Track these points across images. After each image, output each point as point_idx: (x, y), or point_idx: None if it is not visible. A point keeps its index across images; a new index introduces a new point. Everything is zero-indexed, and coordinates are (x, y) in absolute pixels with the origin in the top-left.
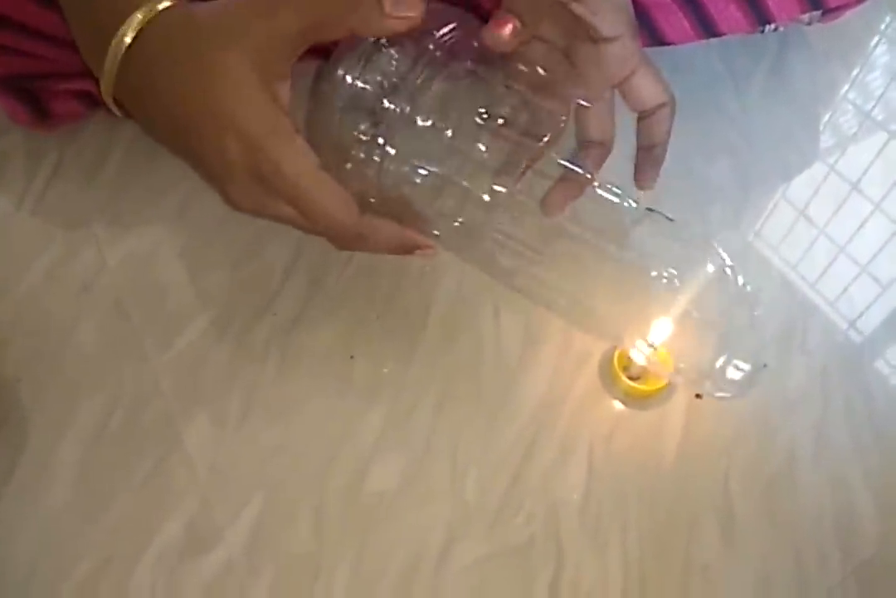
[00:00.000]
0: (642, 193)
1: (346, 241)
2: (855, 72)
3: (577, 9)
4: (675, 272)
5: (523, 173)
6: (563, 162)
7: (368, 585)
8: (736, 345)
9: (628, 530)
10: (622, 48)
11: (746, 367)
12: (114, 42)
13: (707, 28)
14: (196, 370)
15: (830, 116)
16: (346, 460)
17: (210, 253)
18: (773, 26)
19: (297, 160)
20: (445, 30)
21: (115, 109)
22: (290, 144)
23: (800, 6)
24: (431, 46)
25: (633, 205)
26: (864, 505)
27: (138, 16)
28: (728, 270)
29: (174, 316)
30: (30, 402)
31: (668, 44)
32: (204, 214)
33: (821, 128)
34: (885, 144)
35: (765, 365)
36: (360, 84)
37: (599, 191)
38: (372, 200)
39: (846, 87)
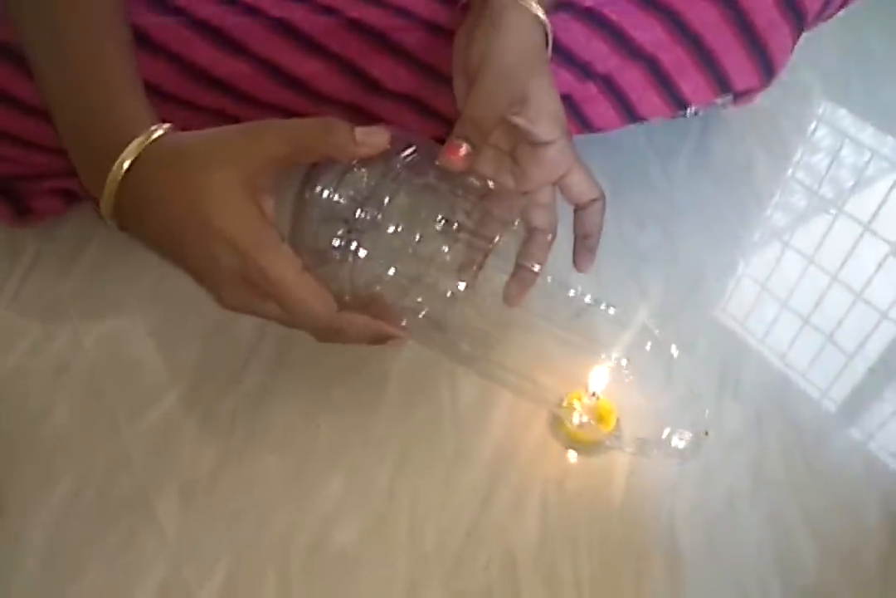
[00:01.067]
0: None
1: (325, 334)
2: (799, 154)
3: (517, 120)
4: (619, 355)
5: (479, 270)
6: (520, 261)
7: None
8: (678, 416)
9: (581, 573)
10: (558, 150)
11: (689, 435)
12: (114, 167)
13: (630, 114)
14: (166, 441)
15: (774, 196)
16: (310, 521)
17: (181, 330)
18: (692, 110)
19: (282, 266)
20: (408, 151)
21: (112, 225)
22: (276, 252)
23: (712, 91)
24: (397, 165)
25: (581, 295)
26: (801, 536)
27: (135, 143)
28: (665, 349)
29: (146, 390)
30: (6, 478)
31: (598, 130)
32: (175, 293)
33: (741, 198)
34: (835, 220)
35: (706, 433)
36: (335, 198)
37: (550, 284)
38: (347, 298)
39: (790, 170)
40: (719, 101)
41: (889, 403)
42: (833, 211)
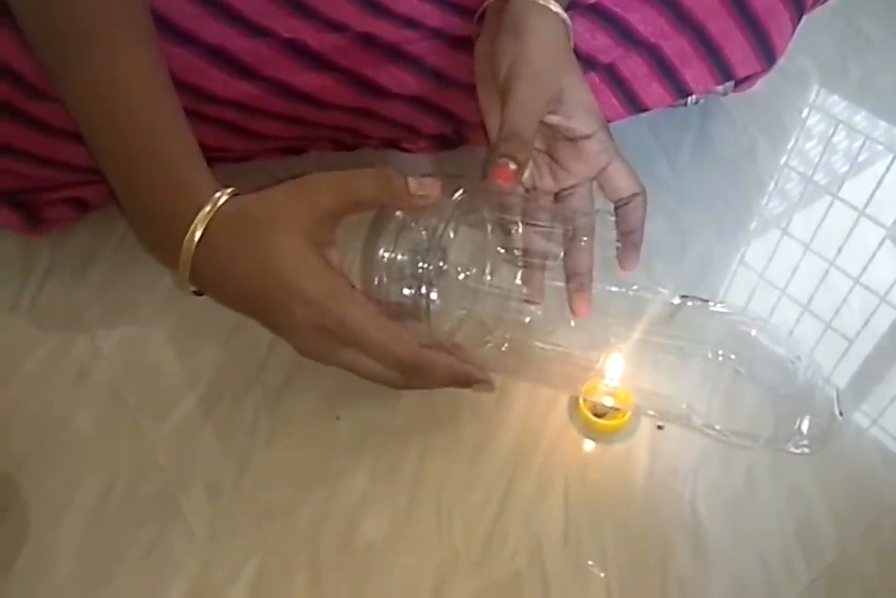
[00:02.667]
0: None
1: (405, 375)
2: (792, 142)
3: (553, 119)
4: (725, 351)
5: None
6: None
7: None
8: (805, 402)
9: (607, 555)
10: (598, 143)
11: (822, 421)
12: (185, 239)
13: (633, 104)
14: (191, 443)
15: (776, 183)
16: (337, 515)
17: (198, 333)
18: (693, 99)
19: (357, 312)
20: (457, 194)
21: (187, 291)
22: (350, 300)
23: (714, 78)
24: (449, 210)
25: (668, 295)
26: (822, 513)
27: (203, 213)
28: (774, 333)
29: (168, 393)
30: (31, 486)
31: None
32: (191, 297)
33: (746, 184)
34: (830, 206)
35: (841, 414)
36: (397, 258)
37: (633, 292)
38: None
39: (785, 156)
40: (720, 88)
41: (892, 385)
42: (830, 195)
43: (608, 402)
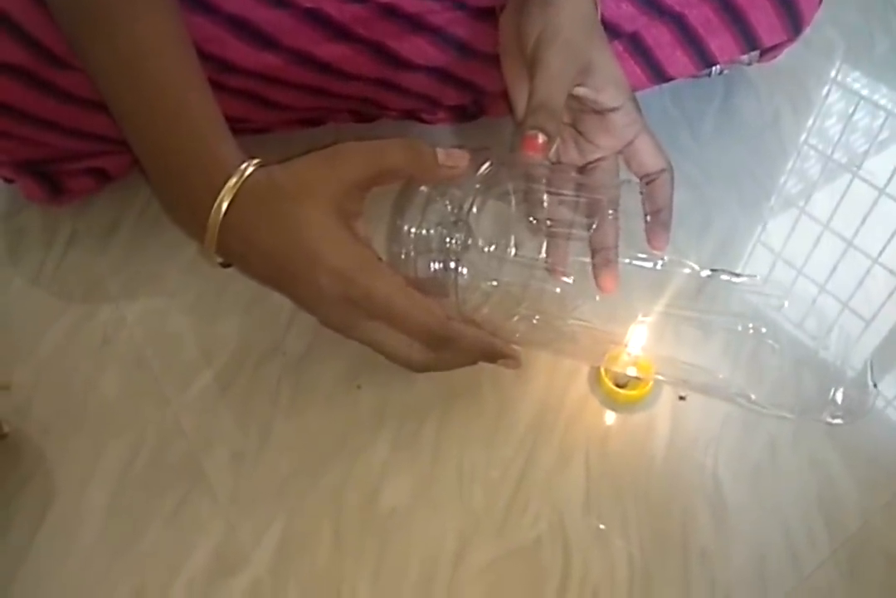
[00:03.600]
0: None
1: (432, 348)
2: (811, 120)
3: (581, 91)
4: (755, 324)
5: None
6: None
7: (389, 594)
8: (838, 373)
9: (628, 523)
10: (625, 115)
11: (855, 392)
12: (212, 210)
13: (658, 73)
14: (214, 409)
15: (793, 162)
16: (359, 482)
17: (220, 302)
18: (718, 69)
19: (383, 284)
20: (484, 167)
21: (213, 262)
22: (376, 272)
23: (739, 48)
24: (476, 184)
25: (698, 269)
26: (844, 483)
27: (230, 184)
28: (804, 305)
29: (191, 361)
30: (57, 451)
31: None
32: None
33: (770, 156)
34: (850, 185)
35: (875, 385)
36: (423, 232)
37: (661, 266)
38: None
39: (804, 134)
40: (745, 58)
41: None
42: (852, 171)
43: (630, 372)
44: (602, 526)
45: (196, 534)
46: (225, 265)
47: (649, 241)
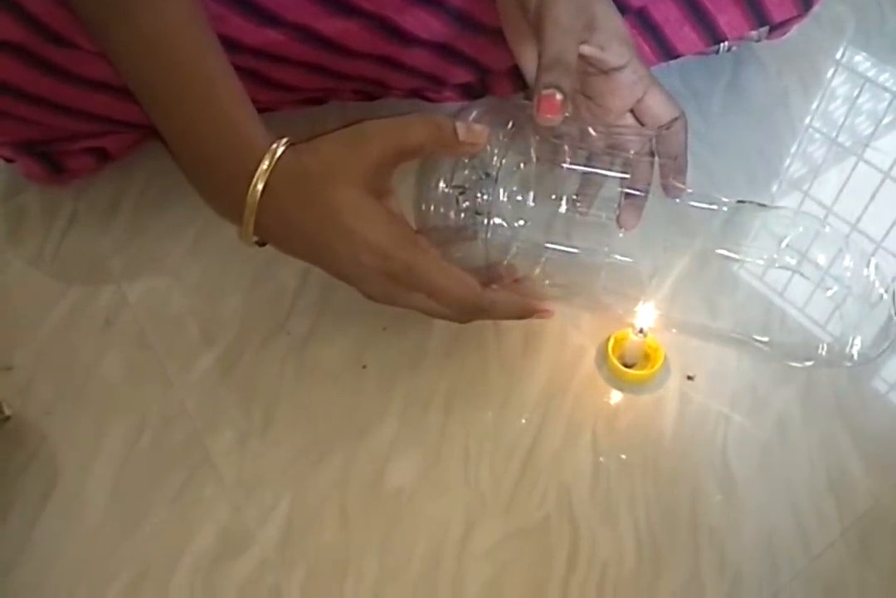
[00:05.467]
0: None
1: (470, 315)
2: (816, 103)
3: (586, 49)
4: (780, 255)
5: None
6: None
7: (396, 573)
8: (865, 304)
9: (636, 502)
10: (632, 73)
11: (880, 323)
12: (248, 193)
13: (666, 50)
14: (218, 390)
15: (798, 145)
16: (365, 462)
17: (223, 282)
18: (726, 46)
19: (423, 260)
20: (508, 125)
21: (249, 242)
22: (415, 248)
23: (748, 23)
24: (501, 142)
25: (725, 202)
26: (854, 462)
27: (264, 166)
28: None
29: (193, 341)
30: (60, 433)
31: None
32: (216, 245)
33: (779, 134)
34: (854, 169)
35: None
36: (453, 186)
37: (691, 202)
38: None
39: (809, 117)
40: (754, 34)
41: None
42: (861, 150)
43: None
44: (610, 504)
45: (201, 515)
46: (261, 244)
47: (665, 189)
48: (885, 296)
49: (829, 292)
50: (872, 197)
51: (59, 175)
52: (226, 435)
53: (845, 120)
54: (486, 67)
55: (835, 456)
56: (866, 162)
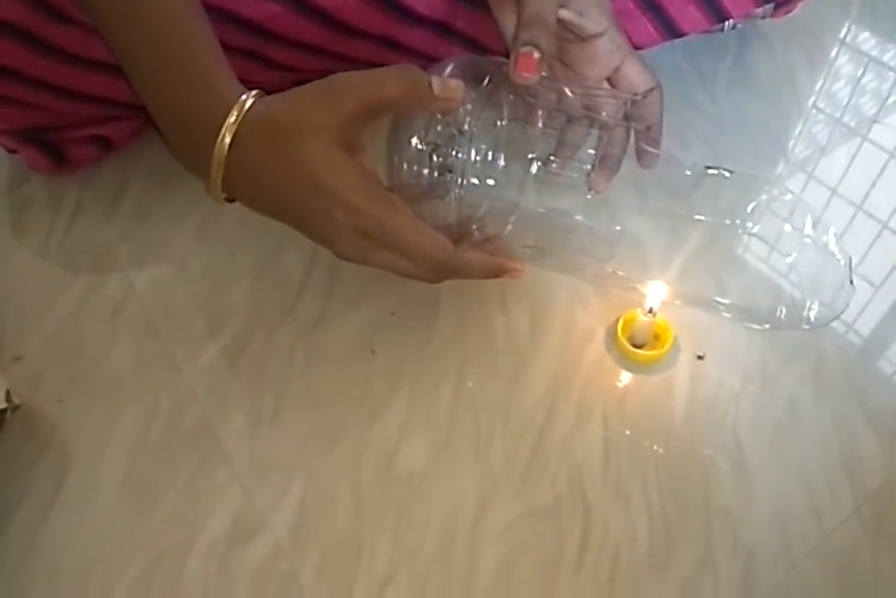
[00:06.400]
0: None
1: (442, 274)
2: (820, 83)
3: (565, 14)
4: (741, 220)
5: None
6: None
7: (409, 555)
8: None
9: (648, 483)
10: (610, 41)
11: (834, 289)
12: (216, 145)
13: (670, 29)
14: (227, 376)
15: (802, 125)
16: (376, 445)
17: (230, 269)
18: (731, 24)
19: (396, 216)
20: (484, 82)
21: (219, 199)
22: (388, 205)
23: (753, 1)
24: (479, 95)
25: (693, 166)
26: (866, 439)
27: (232, 118)
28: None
29: (202, 328)
30: (71, 421)
31: (637, 49)
32: (221, 233)
33: (785, 112)
34: (859, 149)
35: (851, 282)
36: (425, 142)
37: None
38: (454, 230)
39: (814, 97)
40: (759, 11)
41: None
42: (866, 129)
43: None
44: (621, 484)
45: (213, 501)
46: (230, 200)
47: (640, 159)
48: (843, 262)
49: (789, 259)
50: (880, 174)
51: (63, 165)
52: (237, 421)
53: (850, 99)
54: (485, 48)
55: (847, 433)
56: (870, 141)
